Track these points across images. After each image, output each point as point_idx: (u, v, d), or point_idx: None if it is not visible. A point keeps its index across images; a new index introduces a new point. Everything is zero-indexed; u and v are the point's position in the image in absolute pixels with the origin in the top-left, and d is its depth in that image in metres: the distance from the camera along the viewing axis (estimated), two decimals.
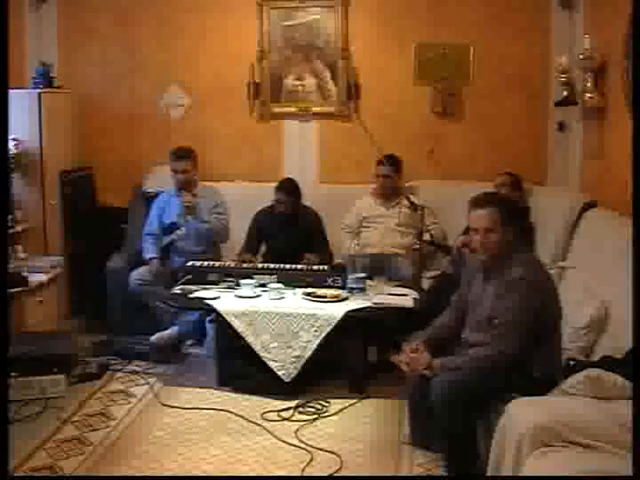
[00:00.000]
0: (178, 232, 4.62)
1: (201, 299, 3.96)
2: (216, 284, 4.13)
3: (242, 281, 4.03)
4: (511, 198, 4.30)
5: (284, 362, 3.78)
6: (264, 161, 5.31)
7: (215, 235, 4.66)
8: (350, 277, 4.02)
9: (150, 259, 4.57)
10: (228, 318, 3.83)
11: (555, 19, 4.95)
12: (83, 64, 5.42)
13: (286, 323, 3.78)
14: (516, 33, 5.01)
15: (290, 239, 4.54)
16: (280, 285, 4.03)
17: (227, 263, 4.45)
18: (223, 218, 4.68)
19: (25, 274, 4.30)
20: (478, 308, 3.02)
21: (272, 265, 4.27)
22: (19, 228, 4.61)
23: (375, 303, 3.86)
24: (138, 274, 4.49)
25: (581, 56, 4.21)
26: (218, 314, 3.88)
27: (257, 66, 5.24)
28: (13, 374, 3.64)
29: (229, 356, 3.96)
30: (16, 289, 4.12)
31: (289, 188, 4.58)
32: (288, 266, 4.26)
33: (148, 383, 3.99)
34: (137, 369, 4.19)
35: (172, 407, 3.71)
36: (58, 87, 5.06)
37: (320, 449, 3.24)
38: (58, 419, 3.53)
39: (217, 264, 4.36)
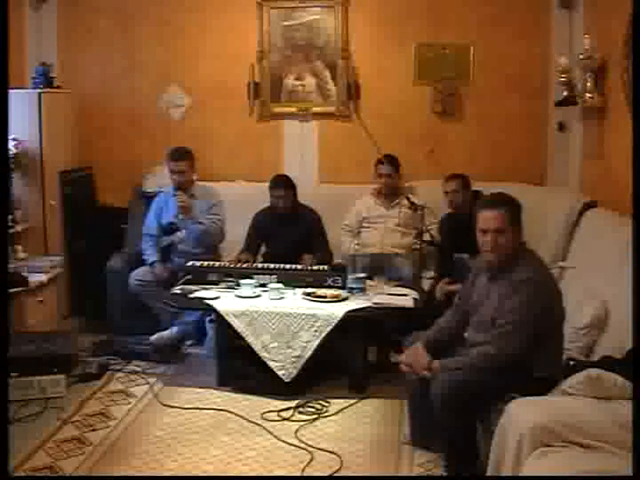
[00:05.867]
0: (178, 234, 4.61)
1: (201, 299, 3.96)
2: (216, 284, 4.12)
3: (242, 281, 4.03)
4: (464, 200, 4.32)
5: (284, 362, 3.78)
6: (264, 161, 5.31)
7: (209, 236, 4.62)
8: (350, 277, 4.02)
9: (152, 264, 4.55)
10: (228, 318, 3.83)
11: (555, 19, 4.96)
12: (83, 64, 5.42)
13: (286, 323, 3.78)
14: (516, 33, 5.01)
15: (290, 239, 4.54)
16: (280, 285, 4.02)
17: (226, 263, 4.44)
18: (218, 219, 4.63)
19: (25, 274, 4.30)
20: (482, 309, 3.01)
21: (272, 265, 4.27)
22: (19, 228, 4.60)
23: (375, 303, 3.86)
24: (138, 274, 4.49)
25: (581, 56, 4.21)
26: (218, 314, 3.88)
27: (257, 66, 5.24)
28: (13, 374, 3.64)
29: (229, 356, 3.96)
30: (16, 289, 4.12)
31: (286, 182, 4.59)
32: (288, 266, 4.26)
33: (148, 383, 3.99)
34: (137, 369, 4.19)
35: (172, 407, 3.71)
36: (58, 87, 5.06)
37: (320, 449, 3.24)
38: (58, 419, 3.53)
39: (217, 264, 4.36)
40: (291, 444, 3.30)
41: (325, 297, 3.93)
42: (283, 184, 4.57)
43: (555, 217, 4.38)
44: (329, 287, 4.05)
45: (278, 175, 4.71)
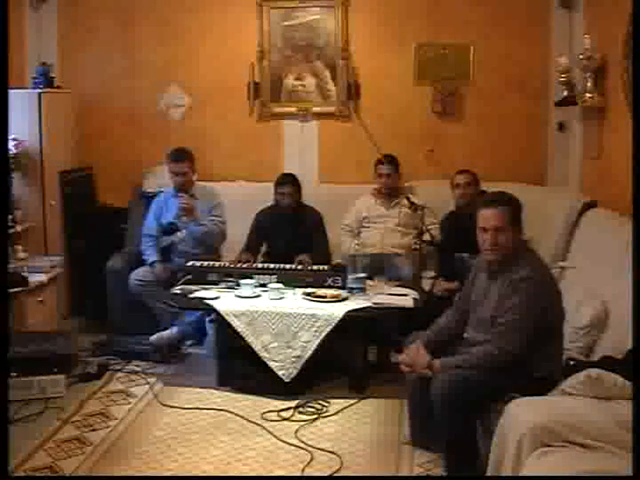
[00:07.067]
0: (178, 234, 4.61)
1: (201, 299, 3.96)
2: (216, 284, 4.12)
3: (242, 281, 4.03)
4: (474, 194, 4.32)
5: (284, 362, 3.78)
6: (264, 161, 5.31)
7: (211, 237, 4.62)
8: (350, 277, 4.02)
9: (152, 263, 4.56)
10: (228, 318, 3.83)
11: (555, 19, 4.96)
12: (83, 64, 5.42)
13: (286, 323, 3.78)
14: (516, 33, 5.01)
15: (291, 238, 4.54)
16: (280, 285, 4.02)
17: (226, 263, 4.44)
18: (219, 220, 4.63)
19: (25, 274, 4.29)
20: (481, 307, 3.01)
21: (272, 265, 4.27)
22: (19, 228, 4.60)
23: (375, 303, 3.86)
24: (138, 274, 4.49)
25: (581, 56, 4.21)
26: (218, 314, 3.88)
27: (257, 66, 5.24)
28: (13, 374, 3.64)
29: (229, 356, 3.96)
30: (16, 289, 4.12)
31: (292, 180, 4.62)
32: (288, 266, 4.26)
33: (148, 383, 3.99)
34: (137, 369, 4.18)
35: (172, 407, 3.71)
36: (58, 87, 5.06)
37: (320, 449, 3.24)
38: (58, 419, 3.53)
39: (217, 264, 4.36)
40: (291, 444, 3.30)
41: (325, 297, 3.93)
42: (290, 181, 4.60)
43: (555, 217, 4.38)
44: (329, 287, 4.05)
45: (285, 173, 4.74)
